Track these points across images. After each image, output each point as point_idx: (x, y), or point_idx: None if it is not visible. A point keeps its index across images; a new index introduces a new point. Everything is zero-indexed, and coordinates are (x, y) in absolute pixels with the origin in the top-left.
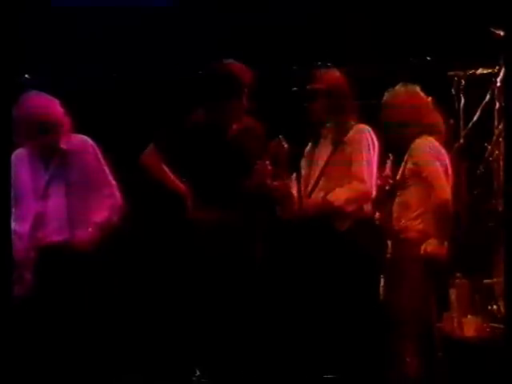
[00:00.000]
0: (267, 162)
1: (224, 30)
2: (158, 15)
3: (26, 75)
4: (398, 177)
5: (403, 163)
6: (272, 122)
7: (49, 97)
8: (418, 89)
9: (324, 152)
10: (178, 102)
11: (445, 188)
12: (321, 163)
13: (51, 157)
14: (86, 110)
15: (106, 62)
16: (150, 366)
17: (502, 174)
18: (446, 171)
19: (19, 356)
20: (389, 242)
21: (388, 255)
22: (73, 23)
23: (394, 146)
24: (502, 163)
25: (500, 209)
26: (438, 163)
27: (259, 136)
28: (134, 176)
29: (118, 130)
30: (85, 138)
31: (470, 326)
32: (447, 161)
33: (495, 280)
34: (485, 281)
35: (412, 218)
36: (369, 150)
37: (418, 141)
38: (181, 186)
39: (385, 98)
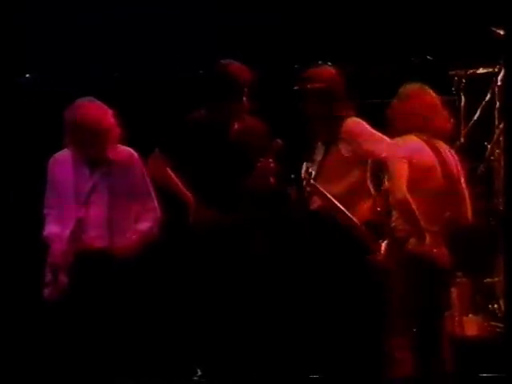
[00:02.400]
0: (270, 160)
1: (224, 30)
2: (158, 15)
3: (27, 75)
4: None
5: None
6: (273, 121)
7: (103, 106)
8: (421, 88)
9: (319, 151)
10: (178, 102)
11: (399, 188)
12: (317, 163)
13: (97, 164)
14: None
15: (106, 62)
16: (151, 365)
17: (502, 173)
18: (426, 170)
19: (46, 355)
20: (383, 242)
21: (383, 254)
22: (73, 23)
23: None
24: (502, 162)
25: (501, 208)
26: (402, 162)
27: (261, 135)
28: None
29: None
30: (132, 151)
31: (471, 325)
32: (430, 159)
33: (496, 279)
34: (486, 280)
35: (397, 217)
36: (369, 129)
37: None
38: (185, 191)
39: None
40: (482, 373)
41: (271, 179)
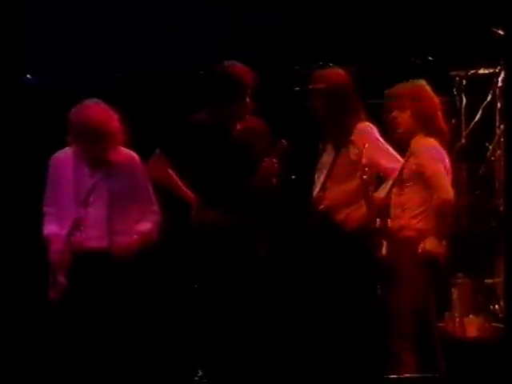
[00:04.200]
0: (274, 160)
1: (226, 30)
2: (160, 16)
3: (28, 75)
4: (396, 176)
5: (403, 163)
6: (274, 122)
7: (108, 109)
8: (419, 84)
9: (329, 154)
10: (180, 103)
11: (447, 188)
12: (327, 165)
13: (98, 165)
14: None
15: (107, 62)
16: (152, 366)
17: (503, 174)
18: (447, 172)
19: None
20: (384, 242)
21: (385, 255)
22: (74, 22)
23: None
24: (503, 163)
25: (501, 209)
26: (440, 164)
27: (263, 135)
28: None
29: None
30: (133, 154)
31: (471, 326)
32: (447, 161)
33: (497, 280)
34: (486, 281)
35: (411, 216)
36: (379, 140)
37: (419, 141)
38: (187, 192)
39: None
40: (484, 374)
41: (273, 180)
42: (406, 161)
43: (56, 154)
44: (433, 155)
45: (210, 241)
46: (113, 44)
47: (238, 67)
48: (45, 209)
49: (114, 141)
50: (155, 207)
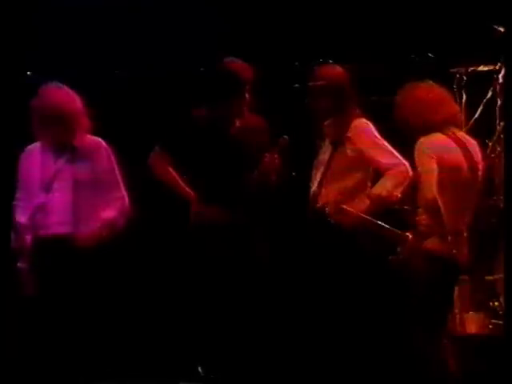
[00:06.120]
0: (275, 156)
1: (225, 27)
2: (158, 13)
3: (29, 72)
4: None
5: None
6: (274, 119)
7: (71, 92)
8: (426, 84)
9: (326, 151)
10: (180, 99)
11: (429, 187)
12: (323, 163)
13: (62, 151)
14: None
15: (107, 60)
16: (152, 365)
17: (503, 170)
18: (454, 168)
19: (11, 345)
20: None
21: (399, 252)
22: (74, 22)
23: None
24: (503, 160)
25: (501, 206)
26: (431, 161)
27: (262, 132)
28: (137, 176)
29: (118, 129)
30: (99, 140)
31: (471, 323)
32: (458, 157)
33: (497, 277)
34: (486, 277)
35: (419, 213)
36: (377, 137)
37: (419, 140)
38: (186, 189)
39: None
40: (484, 370)
41: (272, 177)
42: None
43: (25, 148)
44: (422, 152)
45: (208, 237)
46: (113, 43)
47: (236, 64)
48: (16, 201)
49: (77, 124)
50: (122, 193)
